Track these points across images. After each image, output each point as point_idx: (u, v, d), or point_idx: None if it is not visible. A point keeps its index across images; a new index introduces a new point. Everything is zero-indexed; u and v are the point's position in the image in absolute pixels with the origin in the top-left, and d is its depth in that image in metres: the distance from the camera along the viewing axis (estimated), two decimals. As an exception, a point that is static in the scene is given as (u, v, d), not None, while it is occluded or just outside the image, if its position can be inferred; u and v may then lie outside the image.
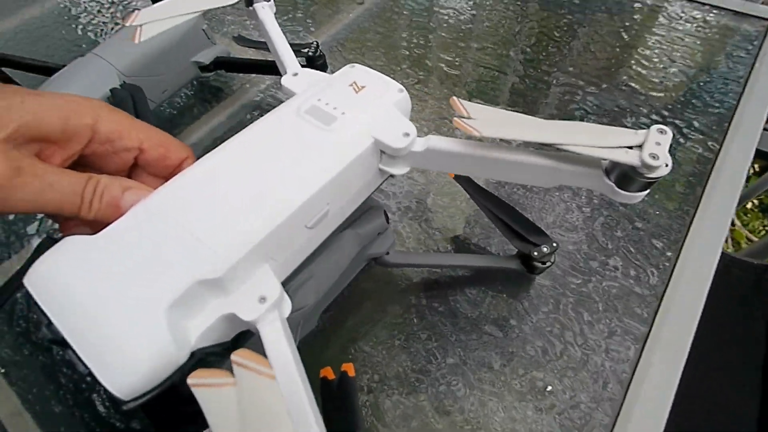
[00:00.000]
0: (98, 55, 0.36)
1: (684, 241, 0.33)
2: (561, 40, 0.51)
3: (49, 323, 0.16)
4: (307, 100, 0.23)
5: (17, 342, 0.30)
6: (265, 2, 0.31)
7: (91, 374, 0.15)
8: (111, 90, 0.33)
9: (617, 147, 0.18)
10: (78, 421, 0.27)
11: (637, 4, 0.55)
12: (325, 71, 0.29)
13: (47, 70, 0.39)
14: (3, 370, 0.29)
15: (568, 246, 0.33)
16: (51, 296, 0.17)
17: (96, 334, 0.16)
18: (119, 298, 0.16)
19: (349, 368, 0.20)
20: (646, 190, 0.19)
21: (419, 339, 0.29)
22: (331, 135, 0.21)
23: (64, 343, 0.16)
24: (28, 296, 0.17)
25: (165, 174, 0.22)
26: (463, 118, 0.21)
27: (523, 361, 0.28)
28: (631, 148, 0.19)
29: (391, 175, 0.24)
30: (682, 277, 0.31)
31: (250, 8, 0.30)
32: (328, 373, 0.21)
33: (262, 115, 0.44)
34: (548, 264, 0.28)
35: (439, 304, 0.31)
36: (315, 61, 0.38)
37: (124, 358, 0.15)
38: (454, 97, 0.22)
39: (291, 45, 0.30)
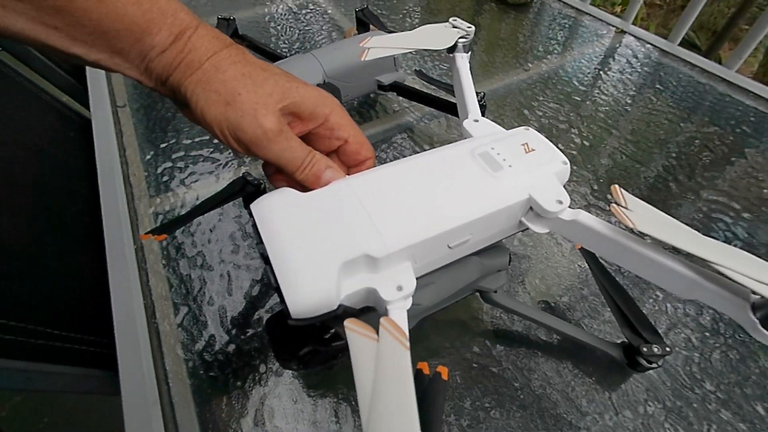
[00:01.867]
0: (314, 55, 0.45)
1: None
2: (723, 157, 0.49)
3: (260, 242, 0.22)
4: (482, 146, 0.26)
5: (180, 249, 0.38)
6: (465, 54, 0.36)
7: (278, 289, 0.20)
8: (316, 84, 0.40)
9: None
10: (200, 324, 0.33)
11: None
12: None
13: (273, 56, 0.49)
14: (164, 262, 0.37)
15: (677, 360, 0.32)
16: (266, 224, 0.22)
17: (290, 264, 0.21)
18: (311, 245, 0.21)
19: (444, 371, 0.23)
20: None
21: (490, 383, 0.30)
22: (494, 181, 0.25)
23: (266, 260, 0.21)
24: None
25: (351, 163, 0.27)
26: (621, 206, 0.22)
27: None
28: None
29: (525, 229, 0.27)
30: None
31: (451, 55, 0.36)
32: (424, 367, 0.23)
33: (411, 138, 0.49)
34: (653, 366, 0.27)
35: (522, 361, 0.31)
36: (477, 108, 0.43)
37: (303, 288, 0.20)
38: (616, 186, 0.23)
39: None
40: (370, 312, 0.24)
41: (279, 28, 0.68)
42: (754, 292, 0.18)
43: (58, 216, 0.41)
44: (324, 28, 0.68)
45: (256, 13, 0.72)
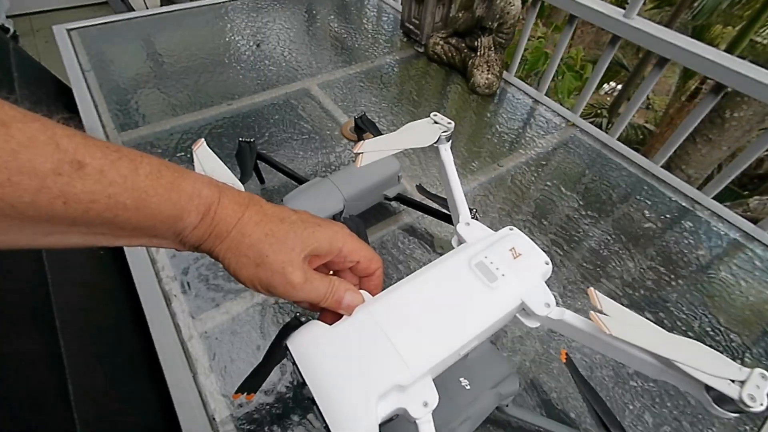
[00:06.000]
0: (332, 181, 0.52)
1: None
2: (648, 239, 0.62)
3: (304, 383, 0.25)
4: (477, 255, 0.30)
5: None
6: (447, 143, 0.40)
7: (327, 428, 0.23)
8: (343, 220, 0.48)
9: (721, 377, 0.23)
10: None
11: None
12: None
13: (291, 176, 0.56)
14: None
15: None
16: (306, 365, 0.25)
17: (334, 407, 0.24)
18: (349, 385, 0.24)
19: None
20: (738, 413, 0.23)
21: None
22: (492, 292, 0.29)
23: (313, 401, 0.24)
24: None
25: (361, 275, 0.30)
26: (598, 311, 0.26)
27: None
28: (733, 381, 0.23)
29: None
30: None
31: (435, 145, 0.39)
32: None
33: (412, 235, 0.54)
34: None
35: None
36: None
37: (352, 429, 0.23)
38: (592, 289, 0.28)
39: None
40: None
41: (277, 117, 0.74)
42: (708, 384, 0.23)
43: (117, 349, 0.44)
44: (319, 117, 0.75)
45: (254, 101, 0.78)
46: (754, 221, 0.64)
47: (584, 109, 0.81)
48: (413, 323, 0.27)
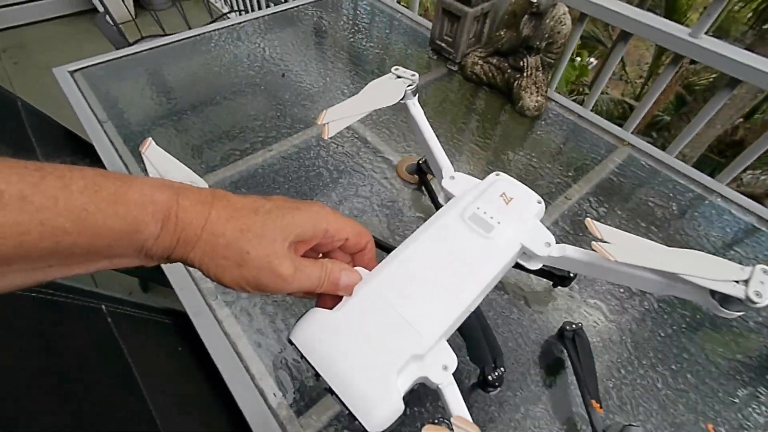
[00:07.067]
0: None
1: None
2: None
3: (318, 374, 0.23)
4: (468, 208, 0.29)
5: None
6: (413, 97, 0.37)
7: (351, 414, 0.22)
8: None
9: (726, 280, 0.23)
10: None
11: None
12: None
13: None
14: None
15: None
16: (314, 354, 0.24)
17: (355, 392, 0.23)
18: (365, 365, 0.23)
19: None
20: (743, 312, 0.24)
21: None
22: (490, 242, 0.27)
23: (331, 391, 0.23)
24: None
25: (352, 251, 0.29)
26: (599, 240, 0.26)
27: None
28: (737, 281, 0.23)
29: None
30: None
31: (403, 102, 0.37)
32: None
33: (501, 290, 0.49)
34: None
35: None
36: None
37: (376, 411, 0.22)
38: (590, 219, 0.26)
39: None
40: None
41: (320, 162, 0.69)
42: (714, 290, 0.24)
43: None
44: (368, 157, 0.70)
45: (294, 144, 0.72)
46: (751, 196, 0.61)
47: (566, 87, 0.78)
48: (417, 290, 0.26)
